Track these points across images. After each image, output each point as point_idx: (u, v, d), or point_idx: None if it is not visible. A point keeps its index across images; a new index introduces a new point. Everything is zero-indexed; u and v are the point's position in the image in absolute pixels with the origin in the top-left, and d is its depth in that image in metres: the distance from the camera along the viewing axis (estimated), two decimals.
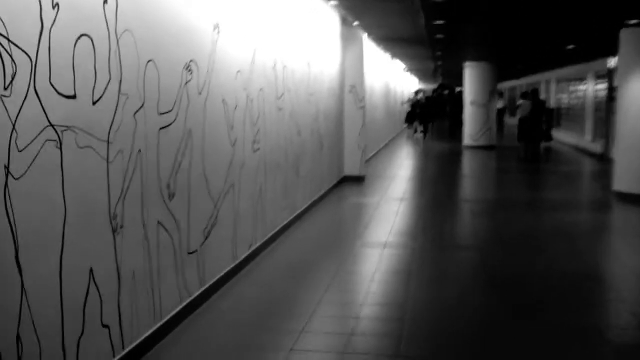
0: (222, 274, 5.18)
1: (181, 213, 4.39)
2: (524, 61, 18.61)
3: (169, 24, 4.16)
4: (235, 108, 5.48)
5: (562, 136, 22.13)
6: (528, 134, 15.48)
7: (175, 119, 4.26)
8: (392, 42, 14.46)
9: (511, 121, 28.97)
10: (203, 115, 4.76)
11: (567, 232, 7.65)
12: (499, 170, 15.01)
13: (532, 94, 16.28)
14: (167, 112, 4.14)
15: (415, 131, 24.43)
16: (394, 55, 18.91)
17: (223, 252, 5.26)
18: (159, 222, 4.05)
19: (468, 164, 15.95)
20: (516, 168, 15.00)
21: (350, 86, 11.61)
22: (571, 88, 21.21)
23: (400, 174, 13.20)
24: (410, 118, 25.54)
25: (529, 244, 7.00)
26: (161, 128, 4.05)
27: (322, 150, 9.52)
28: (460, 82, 38.14)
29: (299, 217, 7.89)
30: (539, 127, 15.71)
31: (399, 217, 8.44)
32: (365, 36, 12.00)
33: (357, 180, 11.67)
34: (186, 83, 4.44)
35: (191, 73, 4.54)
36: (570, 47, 13.59)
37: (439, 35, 11.78)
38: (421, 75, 34.10)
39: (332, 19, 10.09)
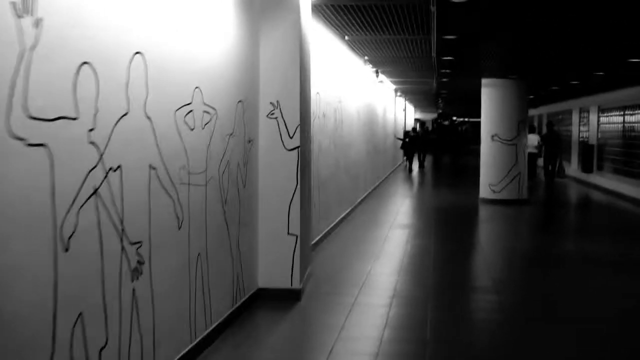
0: None
1: None
2: (576, 72, 12.46)
3: None
4: None
5: (610, 184, 16.07)
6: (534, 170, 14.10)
7: None
8: (362, 24, 8.34)
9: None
10: None
11: None
12: (557, 260, 7.90)
13: (547, 126, 15.38)
14: None
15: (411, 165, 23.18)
16: (372, 60, 12.31)
17: None
18: None
19: (495, 241, 9.42)
20: (589, 250, 8.42)
21: (272, 105, 5.55)
22: (628, 118, 15.21)
23: (375, 279, 6.67)
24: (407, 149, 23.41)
25: None
26: None
27: (157, 290, 3.42)
28: (467, 112, 31.96)
29: None
30: (553, 164, 14.95)
31: None
32: (306, 2, 5.91)
33: (285, 300, 5.56)
34: None
35: None
36: None
37: (455, 12, 5.68)
38: (415, 100, 28.23)
39: None
